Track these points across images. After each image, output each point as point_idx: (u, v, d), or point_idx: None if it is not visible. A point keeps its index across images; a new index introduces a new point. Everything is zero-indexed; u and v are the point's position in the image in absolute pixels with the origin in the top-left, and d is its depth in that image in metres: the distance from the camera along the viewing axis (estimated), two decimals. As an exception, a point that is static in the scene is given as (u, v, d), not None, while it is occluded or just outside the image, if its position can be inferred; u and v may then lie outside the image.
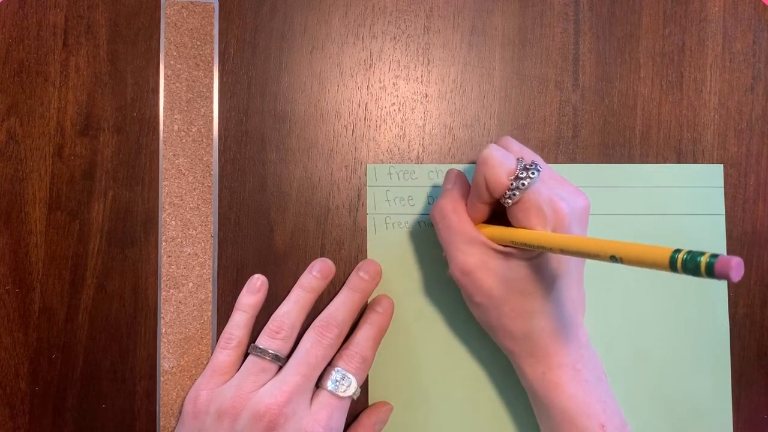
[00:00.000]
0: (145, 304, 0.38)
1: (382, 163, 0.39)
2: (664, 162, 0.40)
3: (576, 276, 0.33)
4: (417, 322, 0.38)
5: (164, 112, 0.38)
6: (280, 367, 0.34)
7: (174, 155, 0.38)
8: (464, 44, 0.40)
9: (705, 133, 0.40)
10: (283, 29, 0.40)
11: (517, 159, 0.31)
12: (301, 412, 0.33)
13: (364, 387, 0.38)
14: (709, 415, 0.38)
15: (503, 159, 0.30)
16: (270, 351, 0.34)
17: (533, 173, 0.30)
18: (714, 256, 0.20)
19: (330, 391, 0.34)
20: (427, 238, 0.39)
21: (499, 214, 0.33)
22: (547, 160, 0.40)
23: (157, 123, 0.39)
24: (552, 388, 0.32)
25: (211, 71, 0.39)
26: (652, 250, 0.22)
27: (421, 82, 0.40)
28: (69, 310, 0.38)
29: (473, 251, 0.32)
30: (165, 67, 0.39)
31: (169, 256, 0.38)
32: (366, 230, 0.39)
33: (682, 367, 0.39)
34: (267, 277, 0.38)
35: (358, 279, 0.37)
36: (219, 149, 0.39)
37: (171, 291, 0.38)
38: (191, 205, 0.38)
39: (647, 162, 0.40)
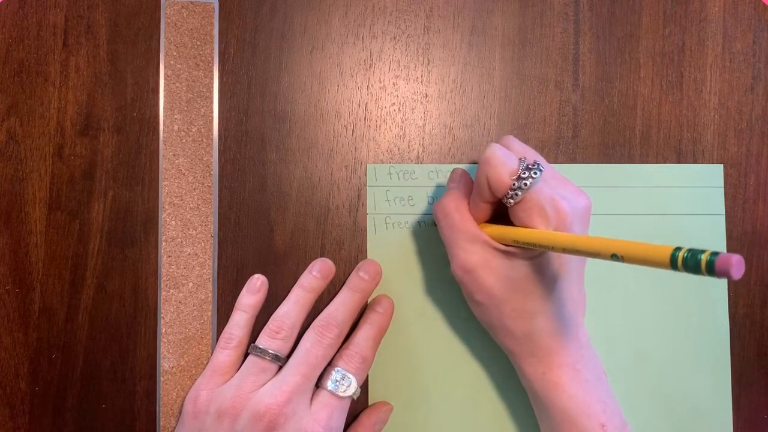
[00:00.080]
0: (145, 304, 0.38)
1: (382, 163, 0.39)
2: (664, 162, 0.40)
3: (577, 276, 0.33)
4: (417, 322, 0.38)
5: (164, 112, 0.38)
6: (280, 367, 0.34)
7: (174, 155, 0.38)
8: (464, 44, 0.40)
9: (705, 133, 0.40)
10: (283, 29, 0.40)
11: (520, 159, 0.31)
12: (301, 412, 0.33)
13: (364, 387, 0.38)
14: (709, 415, 0.38)
15: (506, 159, 0.30)
16: (270, 351, 0.34)
17: (535, 173, 0.30)
18: (714, 253, 0.20)
19: (330, 391, 0.34)
20: (428, 238, 0.39)
21: (501, 213, 0.33)
22: (548, 160, 0.39)
23: (157, 123, 0.39)
24: (552, 388, 0.32)
25: (211, 71, 0.39)
26: (652, 249, 0.22)
27: (421, 82, 0.40)
28: (69, 310, 0.38)
29: (475, 250, 0.32)
30: (165, 67, 0.39)
31: (169, 256, 0.38)
32: (366, 230, 0.39)
33: (682, 367, 0.39)
34: (267, 277, 0.38)
35: (358, 279, 0.37)
36: (219, 149, 0.39)
37: (171, 291, 0.38)
38: (191, 205, 0.38)
39: (647, 162, 0.40)
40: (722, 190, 0.40)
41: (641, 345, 0.39)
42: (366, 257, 0.39)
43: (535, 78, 0.40)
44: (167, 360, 0.37)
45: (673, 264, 0.21)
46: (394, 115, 0.40)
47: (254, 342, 0.35)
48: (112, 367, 0.38)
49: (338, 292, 0.37)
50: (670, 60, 0.40)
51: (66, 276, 0.38)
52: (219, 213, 0.38)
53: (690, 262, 0.21)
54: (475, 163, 0.40)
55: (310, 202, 0.39)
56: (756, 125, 0.40)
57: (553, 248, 0.27)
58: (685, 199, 0.39)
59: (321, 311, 0.36)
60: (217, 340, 0.37)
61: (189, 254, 0.38)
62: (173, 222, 0.38)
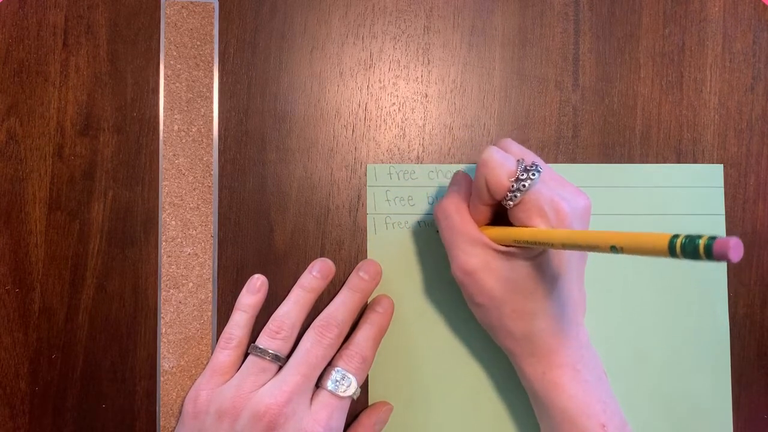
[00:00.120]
0: (145, 304, 0.38)
1: (382, 163, 0.39)
2: (664, 162, 0.40)
3: (577, 276, 0.33)
4: (417, 322, 0.38)
5: (164, 112, 0.38)
6: (280, 367, 0.34)
7: (174, 155, 0.38)
8: (464, 44, 0.40)
9: (705, 133, 0.40)
10: (283, 29, 0.40)
11: (518, 160, 0.31)
12: (301, 412, 0.33)
13: (364, 387, 0.38)
14: (709, 415, 0.38)
15: (503, 161, 0.30)
16: (270, 351, 0.34)
17: (534, 174, 0.30)
18: (712, 238, 0.20)
19: (330, 391, 0.34)
20: (428, 238, 0.39)
21: (501, 216, 0.33)
22: (547, 160, 0.40)
23: (157, 123, 0.39)
24: (552, 388, 0.32)
25: (211, 71, 0.39)
26: (650, 237, 0.22)
27: (421, 82, 0.40)
28: (69, 310, 0.38)
29: (475, 252, 0.32)
30: (165, 67, 0.39)
31: (169, 256, 0.38)
32: (366, 230, 0.39)
33: (682, 367, 0.39)
34: (267, 277, 0.38)
35: (358, 279, 0.37)
36: (219, 149, 0.39)
37: (171, 291, 0.38)
38: (191, 205, 0.38)
39: (647, 162, 0.40)
40: (722, 190, 0.40)
41: (641, 345, 0.39)
42: (366, 257, 0.39)
43: (535, 78, 0.40)
44: (167, 360, 0.37)
45: (671, 251, 0.21)
46: (394, 115, 0.40)
47: (254, 342, 0.35)
48: (112, 367, 0.38)
49: (338, 292, 0.37)
50: (670, 60, 0.40)
51: (66, 276, 0.38)
52: (219, 213, 0.38)
53: (688, 248, 0.21)
54: (475, 164, 0.40)
55: (310, 202, 0.39)
56: (756, 125, 0.40)
57: (552, 245, 0.28)
58: (685, 199, 0.39)
59: (321, 311, 0.36)
60: (217, 340, 0.37)
61: (189, 254, 0.38)
62: (173, 222, 0.38)
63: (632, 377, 0.38)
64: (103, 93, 0.39)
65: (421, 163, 0.39)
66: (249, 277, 0.38)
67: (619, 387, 0.34)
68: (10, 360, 0.37)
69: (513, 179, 0.30)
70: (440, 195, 0.39)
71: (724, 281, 0.39)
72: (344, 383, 0.34)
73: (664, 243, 0.21)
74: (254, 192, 0.39)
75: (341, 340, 0.35)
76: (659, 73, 0.40)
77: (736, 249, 0.20)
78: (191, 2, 0.39)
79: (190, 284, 0.38)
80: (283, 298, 0.36)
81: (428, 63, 0.40)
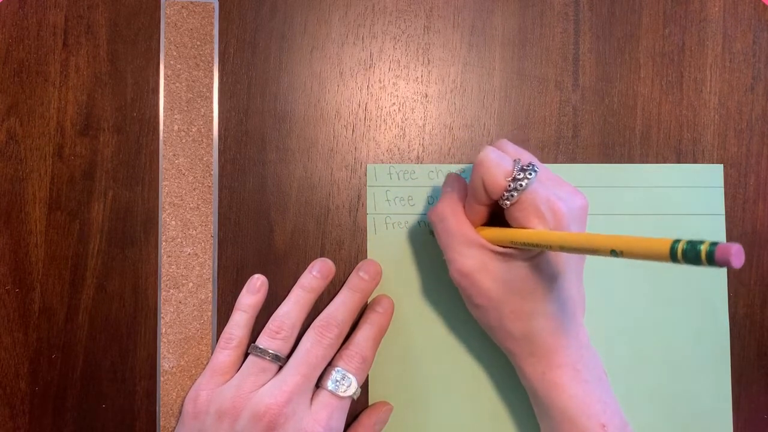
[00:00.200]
0: (145, 304, 0.38)
1: (382, 163, 0.39)
2: (664, 162, 0.40)
3: (575, 276, 0.33)
4: (417, 322, 0.38)
5: (164, 112, 0.38)
6: (280, 367, 0.34)
7: (174, 155, 0.38)
8: (464, 44, 0.40)
9: (705, 133, 0.40)
10: (283, 29, 0.40)
11: (514, 160, 0.31)
12: (301, 412, 0.33)
13: (364, 387, 0.38)
14: (709, 415, 0.38)
15: (500, 161, 0.30)
16: (270, 351, 0.34)
17: (530, 174, 0.30)
18: (714, 243, 0.20)
19: (330, 391, 0.34)
20: (427, 239, 0.39)
21: (497, 216, 0.33)
22: (547, 160, 0.40)
23: (157, 123, 0.39)
24: (552, 388, 0.32)
25: (211, 71, 0.39)
26: (652, 242, 0.22)
27: (421, 82, 0.40)
28: (69, 310, 0.38)
29: (472, 254, 0.32)
30: (165, 67, 0.39)
31: (169, 256, 0.38)
32: (366, 230, 0.39)
33: (683, 367, 0.39)
34: (267, 277, 0.38)
35: (358, 279, 0.37)
36: (219, 149, 0.39)
37: (171, 291, 0.38)
38: (191, 205, 0.38)
39: (647, 162, 0.40)
40: (722, 190, 0.40)
41: (641, 345, 0.39)
42: (366, 257, 0.39)
43: (535, 78, 0.40)
44: (167, 360, 0.37)
45: (672, 256, 0.21)
46: (394, 115, 0.40)
47: (254, 342, 0.35)
48: (112, 367, 0.38)
49: (338, 292, 0.37)
50: (670, 60, 0.40)
51: (66, 276, 0.38)
52: (219, 213, 0.38)
53: (690, 254, 0.20)
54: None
55: (310, 202, 0.39)
56: (756, 125, 0.40)
57: (550, 247, 0.27)
58: (685, 199, 0.39)
59: (321, 311, 0.36)
60: (217, 340, 0.37)
61: (189, 254, 0.38)
62: (173, 222, 0.38)
63: (632, 377, 0.38)
64: (103, 93, 0.39)
65: (421, 163, 0.39)
66: (249, 277, 0.38)
67: (619, 387, 0.34)
68: (10, 360, 0.37)
69: (510, 179, 0.30)
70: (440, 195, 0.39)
71: (724, 281, 0.39)
72: (344, 383, 0.34)
73: (666, 248, 0.21)
74: (254, 192, 0.39)
75: (341, 340, 0.35)
76: (659, 73, 0.40)
77: (737, 255, 0.20)
78: (191, 2, 0.39)
79: (190, 284, 0.38)
80: (283, 298, 0.36)
81: (428, 63, 0.40)
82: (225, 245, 0.38)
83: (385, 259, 0.38)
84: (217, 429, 0.33)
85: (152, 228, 0.38)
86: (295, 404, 0.32)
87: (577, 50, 0.40)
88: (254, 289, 0.37)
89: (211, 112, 0.39)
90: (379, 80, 0.40)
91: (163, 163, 0.38)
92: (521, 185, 0.30)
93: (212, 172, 0.38)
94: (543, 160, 0.39)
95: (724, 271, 0.39)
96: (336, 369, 0.34)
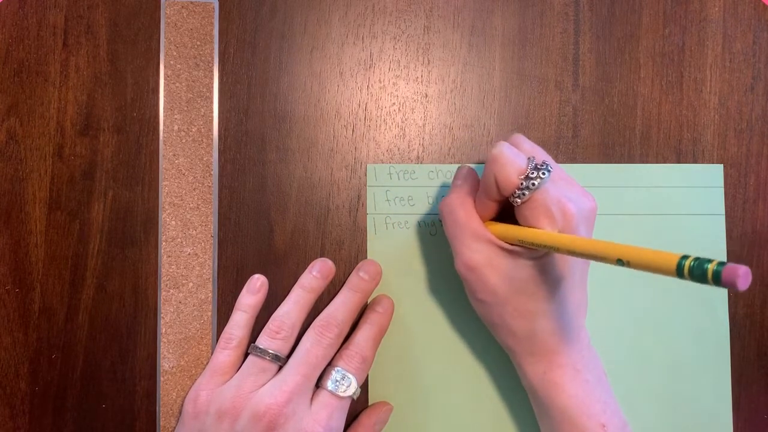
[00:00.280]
0: (145, 304, 0.38)
1: (382, 163, 0.39)
2: (664, 162, 0.40)
3: (580, 278, 0.33)
4: (417, 322, 0.38)
5: (164, 112, 0.38)
6: (280, 367, 0.34)
7: (174, 155, 0.38)
8: (464, 44, 0.40)
9: (705, 133, 0.40)
10: (283, 29, 0.40)
11: (528, 158, 0.31)
12: (301, 412, 0.33)
13: (364, 387, 0.38)
14: (709, 415, 0.38)
15: (514, 158, 0.30)
16: (270, 351, 0.34)
17: (544, 173, 0.30)
18: (721, 264, 0.20)
19: (330, 391, 0.34)
20: (428, 239, 0.39)
21: (506, 212, 0.33)
22: (547, 160, 0.40)
23: (157, 123, 0.39)
24: (552, 388, 0.32)
25: (211, 71, 0.39)
26: (659, 256, 0.22)
27: (421, 82, 0.40)
28: (69, 310, 0.38)
29: (480, 248, 0.32)
30: (165, 67, 0.39)
31: (169, 256, 0.38)
32: (366, 230, 0.39)
33: (683, 367, 0.39)
34: (267, 277, 0.38)
35: (358, 279, 0.37)
36: (219, 149, 0.39)
37: (171, 291, 0.38)
38: (191, 205, 0.38)
39: (647, 162, 0.40)
40: (722, 190, 0.40)
41: (641, 345, 0.39)
42: (366, 257, 0.39)
43: (535, 78, 0.40)
44: (167, 360, 0.37)
45: (679, 273, 0.21)
46: (394, 115, 0.40)
47: (254, 342, 0.35)
48: (112, 367, 0.38)
49: (338, 292, 0.37)
50: (670, 60, 0.40)
51: (66, 276, 0.38)
52: (219, 213, 0.38)
53: (696, 272, 0.20)
54: (479, 163, 0.40)
55: (310, 202, 0.39)
56: (756, 125, 0.40)
57: (557, 249, 0.27)
58: (685, 199, 0.39)
59: (321, 311, 0.36)
60: (217, 340, 0.37)
61: (189, 254, 0.38)
62: (173, 222, 0.38)
63: (632, 377, 0.38)
64: (103, 93, 0.39)
65: (421, 163, 0.39)
66: (249, 277, 0.38)
67: (619, 387, 0.34)
68: (10, 360, 0.37)
69: (522, 177, 0.30)
70: (440, 195, 0.39)
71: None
72: (344, 383, 0.34)
73: (672, 264, 0.21)
74: (254, 192, 0.39)
75: (341, 340, 0.35)
76: (659, 73, 0.40)
77: (744, 278, 0.20)
78: (191, 2, 0.39)
79: (190, 284, 0.38)
80: (283, 298, 0.36)
81: (428, 63, 0.40)
82: (225, 245, 0.38)
83: (385, 259, 0.38)
84: (217, 429, 0.33)
85: (152, 228, 0.38)
86: (295, 404, 0.32)
87: (577, 50, 0.40)
88: (254, 289, 0.37)
89: (211, 112, 0.39)
90: (379, 80, 0.40)
91: (163, 163, 0.38)
92: (533, 184, 0.30)
93: (212, 172, 0.38)
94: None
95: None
96: (336, 369, 0.34)
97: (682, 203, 0.39)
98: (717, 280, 0.20)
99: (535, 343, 0.32)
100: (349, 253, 0.39)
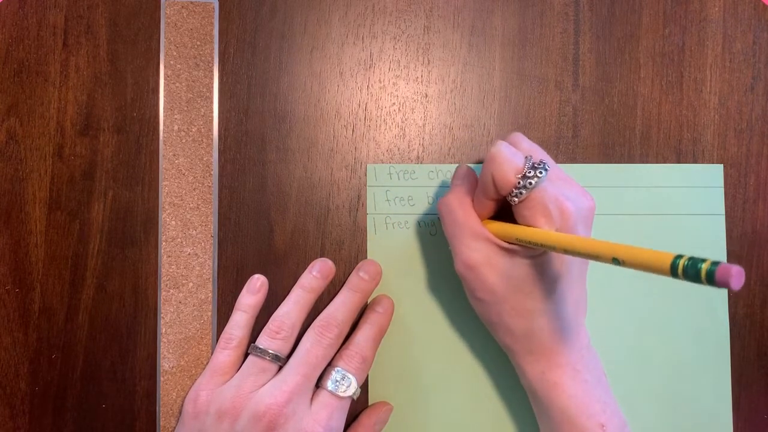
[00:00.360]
0: (145, 304, 0.38)
1: (382, 163, 0.39)
2: (664, 162, 0.40)
3: (578, 277, 0.33)
4: (417, 322, 0.38)
5: (164, 112, 0.38)
6: (280, 367, 0.34)
7: (174, 155, 0.38)
8: (464, 44, 0.40)
9: (705, 133, 0.40)
10: (283, 29, 0.40)
11: (526, 157, 0.31)
12: (301, 412, 0.33)
13: (364, 387, 0.38)
14: (709, 415, 0.38)
15: (512, 157, 0.30)
16: (270, 351, 0.34)
17: (541, 172, 0.30)
18: (715, 263, 0.20)
19: (330, 391, 0.34)
20: (428, 239, 0.39)
21: (505, 211, 0.33)
22: (547, 160, 0.40)
23: (157, 123, 0.39)
24: (552, 388, 0.32)
25: (211, 71, 0.39)
26: (653, 255, 0.22)
27: (421, 82, 0.40)
28: (69, 310, 0.38)
29: (478, 247, 0.32)
30: (165, 67, 0.39)
31: (169, 256, 0.38)
32: (366, 230, 0.39)
33: (683, 367, 0.39)
34: (267, 277, 0.38)
35: (358, 279, 0.37)
36: (219, 149, 0.39)
37: (171, 291, 0.38)
38: (191, 205, 0.38)
39: (647, 162, 0.40)
40: (722, 190, 0.40)
41: (641, 345, 0.39)
42: (366, 257, 0.39)
43: (535, 78, 0.40)
44: (167, 360, 0.37)
45: (673, 272, 0.21)
46: (394, 115, 0.40)
47: (254, 342, 0.35)
48: (112, 367, 0.38)
49: (338, 292, 0.37)
50: (670, 60, 0.40)
51: (66, 276, 0.38)
52: (219, 213, 0.38)
53: (690, 271, 0.21)
54: (479, 162, 0.40)
55: (310, 202, 0.39)
56: (756, 125, 0.40)
57: (554, 248, 0.27)
58: (685, 199, 0.39)
59: (321, 311, 0.36)
60: (217, 340, 0.37)
61: (189, 254, 0.38)
62: (173, 222, 0.38)
63: (632, 377, 0.38)
64: (103, 93, 0.39)
65: (421, 163, 0.39)
66: (249, 277, 0.38)
67: (619, 387, 0.34)
68: (10, 360, 0.37)
69: (520, 176, 0.30)
70: (440, 195, 0.39)
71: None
72: (344, 383, 0.34)
73: (667, 262, 0.21)
74: (254, 192, 0.39)
75: (341, 340, 0.35)
76: (659, 73, 0.40)
77: (737, 277, 0.20)
78: (191, 2, 0.39)
79: (190, 284, 0.38)
80: (283, 298, 0.36)
81: (428, 63, 0.40)
82: (225, 245, 0.38)
83: (385, 259, 0.38)
84: (217, 429, 0.33)
85: (152, 228, 0.38)
86: (295, 404, 0.32)
87: (577, 50, 0.40)
88: (254, 290, 0.37)
89: (211, 112, 0.39)
90: (379, 80, 0.40)
91: (163, 163, 0.38)
92: (531, 183, 0.30)
93: (212, 172, 0.38)
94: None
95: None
96: (336, 369, 0.34)
97: (682, 203, 0.39)
98: (711, 279, 0.20)
99: (534, 341, 0.32)
100: (349, 253, 0.39)
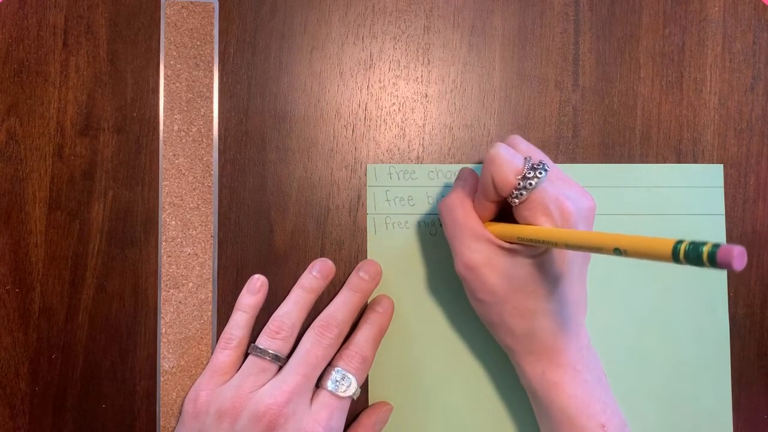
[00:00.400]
0: (145, 304, 0.38)
1: (382, 163, 0.39)
2: (664, 162, 0.40)
3: (579, 277, 0.33)
4: (417, 322, 0.38)
5: (164, 112, 0.39)
6: (280, 367, 0.34)
7: (174, 155, 0.38)
8: (464, 44, 0.40)
9: (705, 133, 0.40)
10: (283, 29, 0.40)
11: (525, 158, 0.31)
12: (301, 412, 0.33)
13: (364, 387, 0.38)
14: (709, 415, 0.38)
15: (511, 158, 0.30)
16: (270, 351, 0.34)
17: (540, 173, 0.30)
18: (716, 245, 0.20)
19: (330, 391, 0.34)
20: (427, 239, 0.39)
21: (506, 213, 0.33)
22: (547, 160, 0.40)
23: (157, 123, 0.39)
24: (552, 388, 0.32)
25: (211, 71, 0.39)
26: (654, 242, 0.22)
27: (421, 82, 0.40)
28: (69, 310, 0.38)
29: (479, 247, 0.32)
30: (165, 67, 0.39)
31: (169, 256, 0.38)
32: (366, 230, 0.39)
33: (683, 367, 0.39)
34: (267, 277, 0.38)
35: (358, 279, 0.37)
36: (219, 149, 0.39)
37: (171, 291, 0.38)
38: (191, 205, 0.38)
39: (647, 162, 0.40)
40: (722, 190, 0.40)
41: (641, 345, 0.39)
42: (366, 257, 0.39)
43: (535, 78, 0.40)
44: (167, 360, 0.37)
45: (675, 256, 0.21)
46: (394, 115, 0.40)
47: (254, 342, 0.35)
48: (112, 367, 0.38)
49: (338, 292, 0.37)
50: (670, 60, 0.40)
51: (66, 276, 0.38)
52: (219, 213, 0.38)
53: (692, 254, 0.21)
54: (479, 163, 0.40)
55: (310, 202, 0.39)
56: (756, 125, 0.40)
57: (556, 244, 0.28)
58: (685, 199, 0.40)
59: (321, 311, 0.36)
60: (217, 340, 0.37)
61: (189, 254, 0.38)
62: (173, 222, 0.38)
63: (632, 377, 0.38)
64: (103, 93, 0.39)
65: (421, 163, 0.39)
66: (249, 277, 0.38)
67: (619, 387, 0.34)
68: (10, 360, 0.37)
69: (519, 177, 0.30)
70: (440, 195, 0.39)
71: (724, 281, 0.39)
72: (344, 383, 0.34)
73: (668, 248, 0.21)
74: (254, 192, 0.39)
75: (341, 340, 0.35)
76: (659, 73, 0.40)
77: (740, 258, 0.20)
78: (191, 2, 0.39)
79: (190, 284, 0.38)
80: (283, 298, 0.36)
81: (428, 63, 0.40)
82: (225, 245, 0.38)
83: (385, 259, 0.38)
84: (217, 429, 0.33)
85: (152, 228, 0.38)
86: (295, 404, 0.32)
87: (577, 50, 0.40)
88: (254, 290, 0.37)
89: (211, 112, 0.39)
90: (379, 80, 0.40)
91: (163, 163, 0.38)
92: (531, 184, 0.30)
93: (212, 172, 0.38)
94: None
95: (724, 271, 0.39)
96: (336, 369, 0.34)
97: (682, 203, 0.39)
98: (713, 261, 0.20)
99: (534, 342, 0.32)
100: (349, 253, 0.39)
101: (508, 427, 0.38)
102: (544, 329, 0.32)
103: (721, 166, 0.40)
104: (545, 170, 0.30)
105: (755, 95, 0.40)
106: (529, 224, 0.30)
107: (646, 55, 0.40)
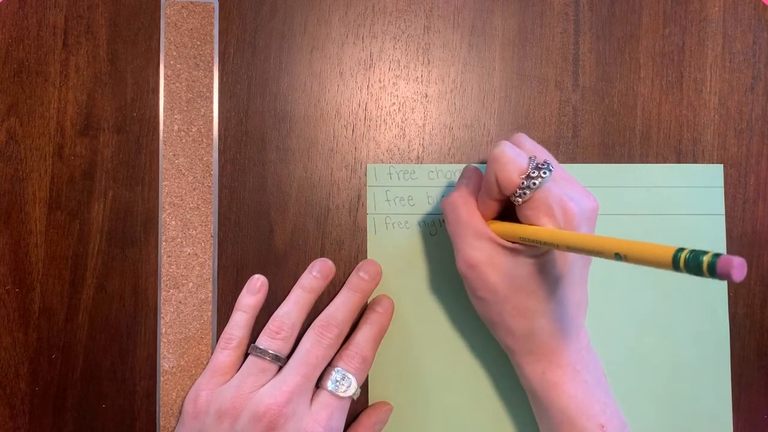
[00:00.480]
0: (145, 304, 0.38)
1: (382, 163, 0.39)
2: (664, 162, 0.40)
3: (580, 278, 0.33)
4: (417, 322, 0.38)
5: (164, 112, 0.38)
6: (280, 368, 0.34)
7: (174, 155, 0.38)
8: (464, 44, 0.40)
9: (705, 133, 0.40)
10: (283, 29, 0.40)
11: (530, 158, 0.31)
12: (301, 412, 0.33)
13: (364, 387, 0.38)
14: (709, 416, 0.38)
15: (515, 157, 0.30)
16: (270, 351, 0.34)
17: (545, 173, 0.30)
18: (716, 255, 0.20)
19: (330, 391, 0.34)
20: (428, 239, 0.39)
21: (509, 211, 0.33)
22: (547, 160, 0.40)
23: (157, 123, 0.39)
24: (551, 388, 0.32)
25: (211, 71, 0.39)
26: (655, 249, 0.22)
27: (421, 82, 0.40)
28: (69, 310, 0.38)
29: (480, 246, 0.32)
30: (165, 67, 0.39)
31: (169, 256, 0.38)
32: (366, 230, 0.39)
33: (683, 367, 0.39)
34: (267, 277, 0.38)
35: (358, 279, 0.37)
36: (219, 149, 0.39)
37: (171, 291, 0.38)
38: (191, 205, 0.38)
39: (647, 162, 0.40)
40: (722, 190, 0.40)
41: (641, 345, 0.39)
42: (366, 257, 0.39)
43: (535, 78, 0.40)
44: (167, 360, 0.37)
45: (675, 265, 0.21)
46: (394, 115, 0.40)
47: (254, 342, 0.35)
48: (112, 367, 0.38)
49: (338, 292, 0.37)
50: (670, 60, 0.40)
51: (66, 276, 0.38)
52: (219, 213, 0.38)
53: (692, 264, 0.21)
54: (479, 163, 0.40)
55: (310, 202, 0.39)
56: (756, 125, 0.40)
57: (557, 246, 0.28)
58: (685, 199, 0.39)
59: (321, 311, 0.36)
60: (217, 340, 0.37)
61: (189, 254, 0.38)
62: (173, 222, 0.38)
63: (632, 378, 0.38)
64: (103, 93, 0.39)
65: (421, 163, 0.39)
66: (249, 277, 0.38)
67: (619, 387, 0.34)
68: (10, 360, 0.37)
69: (524, 176, 0.30)
70: (440, 195, 0.39)
71: (724, 281, 0.39)
72: (344, 383, 0.34)
73: (668, 256, 0.21)
74: (254, 192, 0.39)
75: (341, 340, 0.35)
76: (659, 73, 0.40)
77: (739, 269, 0.20)
78: (191, 2, 0.39)
79: (190, 284, 0.38)
80: (283, 298, 0.36)
81: (428, 63, 0.40)
82: (225, 245, 0.38)
83: (385, 259, 0.38)
84: (217, 429, 0.33)
85: (152, 228, 0.38)
86: (295, 404, 0.32)
87: (577, 50, 0.40)
88: (254, 290, 0.37)
89: (211, 112, 0.39)
90: (379, 80, 0.40)
91: (163, 163, 0.38)
92: (534, 184, 0.30)
93: (212, 172, 0.38)
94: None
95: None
96: (336, 369, 0.34)
97: (682, 203, 0.39)
98: (712, 271, 0.20)
99: (534, 342, 0.32)
100: (349, 253, 0.39)
101: (508, 427, 0.38)
102: (544, 329, 0.32)
103: (721, 166, 0.40)
104: (549, 170, 0.30)
105: (755, 95, 0.40)
106: (532, 224, 0.30)
107: (646, 55, 0.40)
